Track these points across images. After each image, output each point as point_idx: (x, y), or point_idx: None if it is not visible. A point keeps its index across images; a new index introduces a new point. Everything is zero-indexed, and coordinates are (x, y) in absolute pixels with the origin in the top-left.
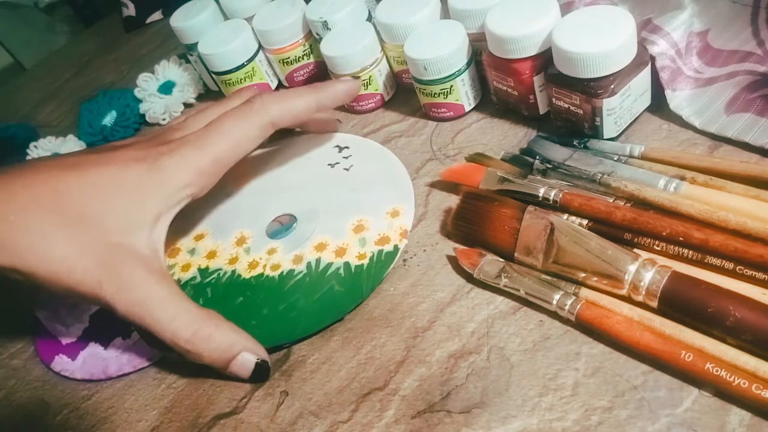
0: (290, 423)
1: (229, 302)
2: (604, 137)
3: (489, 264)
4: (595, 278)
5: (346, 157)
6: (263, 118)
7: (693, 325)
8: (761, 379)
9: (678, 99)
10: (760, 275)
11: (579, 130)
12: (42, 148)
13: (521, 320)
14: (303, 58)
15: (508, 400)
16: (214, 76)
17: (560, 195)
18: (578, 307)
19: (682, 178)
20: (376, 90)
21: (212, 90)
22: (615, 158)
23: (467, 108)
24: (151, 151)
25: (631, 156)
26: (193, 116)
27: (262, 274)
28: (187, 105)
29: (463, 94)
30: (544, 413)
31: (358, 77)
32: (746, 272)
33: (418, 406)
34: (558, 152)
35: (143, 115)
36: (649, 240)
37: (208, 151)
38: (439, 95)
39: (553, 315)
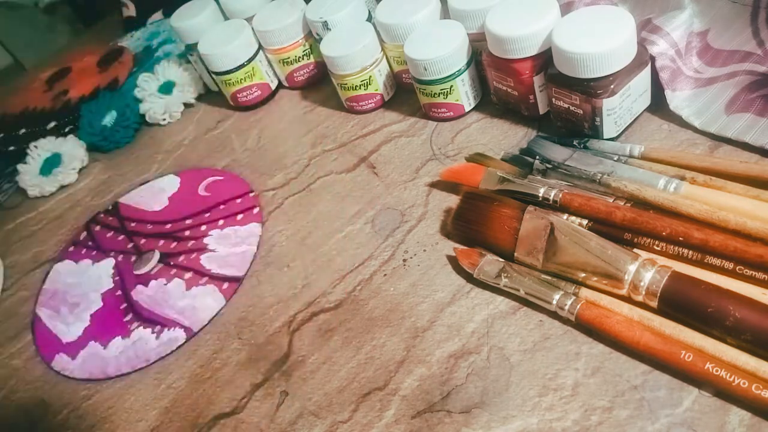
0: (290, 423)
1: None
2: (604, 137)
3: (489, 264)
4: (595, 278)
5: None
6: None
7: (693, 325)
8: (761, 379)
9: (678, 99)
10: (759, 275)
11: (579, 130)
12: (42, 147)
13: (521, 320)
14: (303, 58)
15: (508, 400)
16: (214, 76)
17: (560, 195)
18: (578, 307)
19: (682, 178)
20: (376, 90)
21: (212, 90)
22: (615, 158)
23: (467, 108)
24: None
25: (631, 156)
26: None
27: None
28: (187, 105)
29: (463, 94)
30: (544, 413)
31: None
32: (746, 272)
33: (418, 406)
34: (558, 152)
35: (143, 115)
36: (649, 240)
37: None
38: (439, 95)
39: (553, 315)
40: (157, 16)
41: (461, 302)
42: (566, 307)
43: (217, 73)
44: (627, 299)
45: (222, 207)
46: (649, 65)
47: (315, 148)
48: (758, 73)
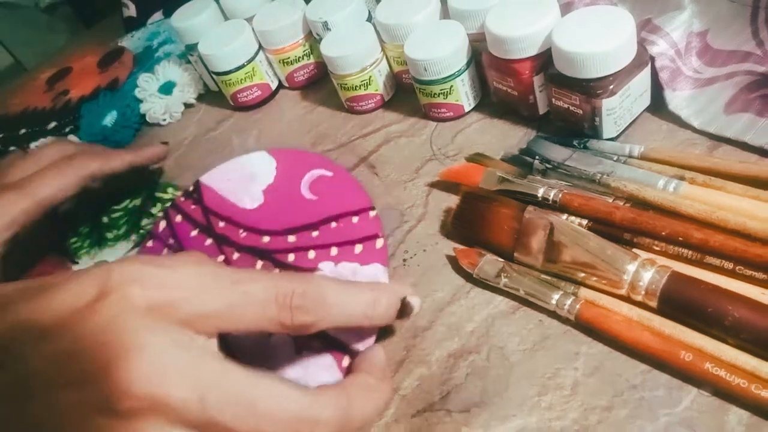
0: None
1: None
2: (604, 137)
3: (489, 264)
4: (595, 278)
5: None
6: (83, 172)
7: (692, 325)
8: (761, 378)
9: (677, 99)
10: (759, 275)
11: (579, 130)
12: None
13: (521, 320)
14: (303, 59)
15: (507, 399)
16: (214, 76)
17: (560, 195)
18: (578, 306)
19: (682, 178)
20: (376, 90)
21: (212, 90)
22: (614, 158)
23: (467, 108)
24: None
25: (630, 156)
26: (23, 161)
27: None
28: (187, 105)
29: (463, 94)
30: (544, 412)
31: (167, 143)
32: (745, 272)
33: (418, 406)
34: (558, 152)
35: (143, 116)
36: (649, 240)
37: (32, 195)
38: (439, 95)
39: (553, 315)
40: (157, 16)
41: (461, 302)
42: (566, 307)
43: (218, 74)
44: (626, 299)
45: (334, 225)
46: (649, 65)
47: (315, 148)
48: (758, 73)
